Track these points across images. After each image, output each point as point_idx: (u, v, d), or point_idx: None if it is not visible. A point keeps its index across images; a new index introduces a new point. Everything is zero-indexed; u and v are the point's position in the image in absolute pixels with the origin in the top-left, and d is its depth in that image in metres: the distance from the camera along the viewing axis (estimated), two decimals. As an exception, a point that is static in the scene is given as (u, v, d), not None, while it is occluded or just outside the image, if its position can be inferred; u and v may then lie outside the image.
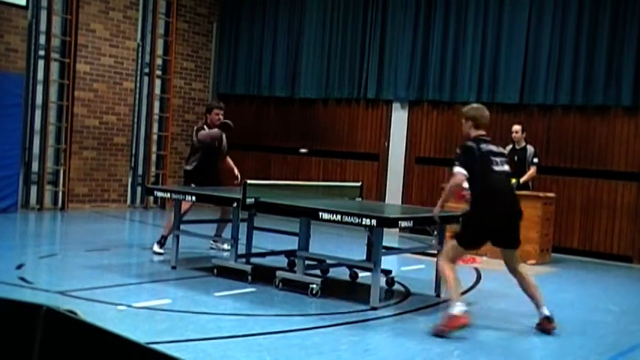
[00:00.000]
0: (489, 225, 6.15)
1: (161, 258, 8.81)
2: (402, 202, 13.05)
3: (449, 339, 5.89)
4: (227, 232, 8.33)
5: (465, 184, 6.30)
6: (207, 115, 9.51)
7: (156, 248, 9.04)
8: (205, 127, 9.32)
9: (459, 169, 6.08)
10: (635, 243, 11.27)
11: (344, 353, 5.32)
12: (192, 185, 9.08)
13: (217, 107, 9.53)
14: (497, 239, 6.29)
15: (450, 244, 6.36)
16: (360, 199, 8.83)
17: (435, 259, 7.63)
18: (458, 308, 5.86)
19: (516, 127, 10.87)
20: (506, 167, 6.26)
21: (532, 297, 6.29)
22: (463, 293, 7.83)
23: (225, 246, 9.32)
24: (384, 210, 8.55)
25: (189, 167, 9.41)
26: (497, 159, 6.20)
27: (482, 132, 6.31)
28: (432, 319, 6.68)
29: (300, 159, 14.65)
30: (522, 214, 6.36)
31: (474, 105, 6.64)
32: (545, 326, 6.20)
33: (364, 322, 6.34)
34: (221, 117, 9.39)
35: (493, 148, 6.25)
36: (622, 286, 9.66)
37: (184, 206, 8.82)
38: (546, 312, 6.22)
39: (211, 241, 9.64)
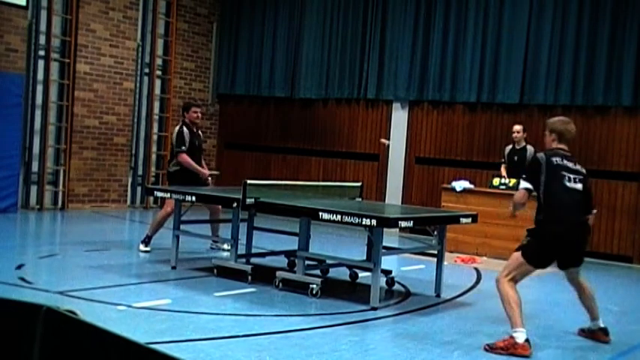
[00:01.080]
0: (557, 241, 5.76)
1: (147, 256, 8.90)
2: (402, 202, 13.05)
3: (449, 339, 5.89)
4: (224, 232, 8.32)
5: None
6: (184, 113, 9.49)
7: (142, 247, 9.15)
8: (185, 127, 9.31)
9: (523, 184, 5.80)
10: (635, 243, 11.27)
11: (344, 353, 5.32)
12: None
13: (195, 105, 9.66)
14: (562, 258, 5.91)
15: (515, 259, 5.79)
16: (360, 199, 8.83)
17: (436, 259, 7.65)
18: (522, 336, 5.54)
19: (517, 127, 10.86)
20: (579, 186, 5.82)
21: (588, 308, 6.18)
22: (463, 293, 7.86)
23: (226, 246, 9.34)
24: (384, 210, 8.55)
25: (172, 169, 9.42)
26: (571, 175, 5.81)
27: (563, 146, 5.93)
28: (432, 319, 6.69)
29: (300, 159, 14.66)
30: (589, 232, 6.02)
31: (563, 118, 6.18)
32: (599, 337, 6.14)
33: (364, 322, 6.34)
34: (199, 115, 9.49)
35: (569, 164, 5.85)
36: (622, 286, 9.66)
37: (169, 208, 8.95)
38: (601, 324, 6.15)
39: (211, 241, 9.67)
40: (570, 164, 5.87)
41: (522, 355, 5.48)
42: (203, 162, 9.80)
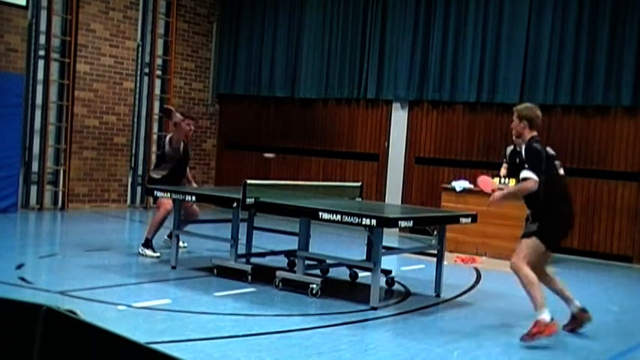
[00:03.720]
0: (564, 227, 6.19)
1: (156, 261, 8.72)
2: (402, 202, 13.05)
3: (449, 339, 5.89)
4: (224, 232, 8.31)
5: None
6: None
7: (148, 252, 8.78)
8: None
9: (531, 174, 5.87)
10: (635, 243, 11.27)
11: (344, 353, 5.32)
12: None
13: (189, 117, 9.63)
14: (561, 240, 6.30)
15: (528, 244, 5.98)
16: (359, 199, 8.83)
17: (435, 259, 7.64)
18: (548, 315, 5.79)
19: (518, 130, 10.83)
20: (562, 171, 6.20)
21: (562, 293, 6.34)
22: (463, 293, 7.86)
23: (181, 243, 9.08)
24: (384, 210, 8.55)
25: (156, 175, 9.16)
26: (557, 162, 6.17)
27: (536, 133, 6.15)
28: (432, 319, 6.69)
29: (301, 159, 14.65)
30: None
31: (529, 104, 6.41)
32: (584, 317, 6.30)
33: (364, 322, 6.34)
34: (192, 128, 9.44)
35: (552, 152, 6.20)
36: (622, 286, 9.66)
37: (168, 206, 8.73)
38: (579, 304, 6.30)
39: (166, 237, 9.47)
40: (552, 152, 6.20)
41: (554, 332, 5.74)
42: (188, 172, 9.66)
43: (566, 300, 6.32)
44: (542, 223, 5.97)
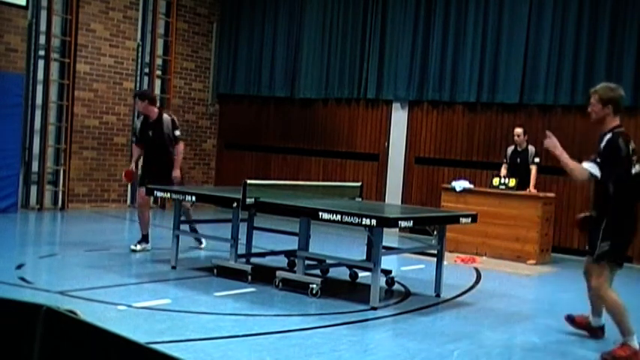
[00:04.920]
0: (630, 236, 5.53)
1: (147, 256, 8.91)
2: (402, 202, 13.05)
3: (449, 339, 5.89)
4: (224, 232, 8.31)
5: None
6: None
7: (138, 247, 9.10)
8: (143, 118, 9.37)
9: (592, 169, 5.26)
10: (635, 243, 11.23)
11: (344, 353, 5.31)
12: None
13: (135, 95, 9.78)
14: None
15: (602, 267, 5.57)
16: (359, 199, 8.83)
17: (435, 259, 7.64)
18: (636, 342, 5.43)
19: (518, 131, 10.83)
20: (637, 167, 5.44)
21: (595, 303, 6.08)
22: (463, 293, 7.86)
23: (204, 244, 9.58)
24: (384, 210, 8.55)
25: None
26: (635, 157, 5.41)
27: (618, 122, 5.44)
28: (432, 319, 6.69)
29: (301, 159, 14.66)
30: None
31: (610, 85, 5.55)
32: (597, 334, 6.13)
33: (364, 322, 6.34)
34: (140, 106, 9.35)
35: (633, 145, 5.43)
36: (622, 286, 9.60)
37: (139, 199, 9.15)
38: (601, 322, 6.12)
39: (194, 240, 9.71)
40: (633, 145, 5.46)
41: None
42: (178, 156, 9.01)
43: (596, 310, 6.11)
44: (614, 242, 5.42)
